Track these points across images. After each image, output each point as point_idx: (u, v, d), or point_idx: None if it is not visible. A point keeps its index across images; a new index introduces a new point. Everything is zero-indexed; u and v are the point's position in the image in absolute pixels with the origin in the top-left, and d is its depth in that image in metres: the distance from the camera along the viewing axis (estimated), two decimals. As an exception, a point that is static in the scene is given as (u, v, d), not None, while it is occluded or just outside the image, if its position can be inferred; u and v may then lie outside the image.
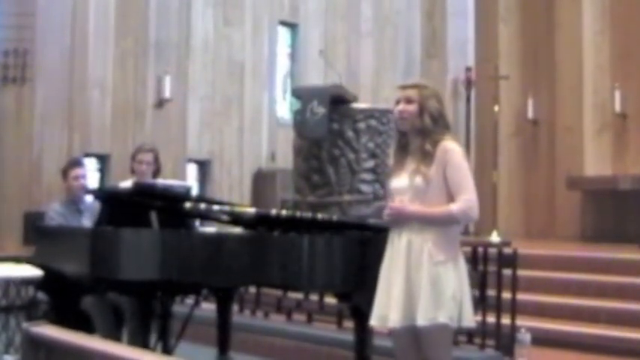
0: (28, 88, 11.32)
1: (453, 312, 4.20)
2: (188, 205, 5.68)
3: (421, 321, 4.17)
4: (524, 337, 6.47)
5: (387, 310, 4.30)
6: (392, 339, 4.55)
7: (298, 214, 6.03)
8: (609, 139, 12.08)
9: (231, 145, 14.01)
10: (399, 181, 4.38)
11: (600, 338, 7.09)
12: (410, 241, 4.27)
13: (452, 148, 4.33)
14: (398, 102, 4.41)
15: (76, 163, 6.96)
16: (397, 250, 4.31)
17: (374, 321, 4.41)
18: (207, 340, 6.78)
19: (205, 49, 13.76)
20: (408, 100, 4.36)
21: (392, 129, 6.03)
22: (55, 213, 6.54)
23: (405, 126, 4.39)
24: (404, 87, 4.47)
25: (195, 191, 11.98)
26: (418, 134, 4.35)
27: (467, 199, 4.25)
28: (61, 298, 6.15)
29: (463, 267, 4.36)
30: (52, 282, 6.06)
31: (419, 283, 4.19)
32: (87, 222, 6.39)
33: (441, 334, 4.28)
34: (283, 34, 15.24)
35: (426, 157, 4.29)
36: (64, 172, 6.67)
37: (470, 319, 4.32)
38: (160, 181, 6.63)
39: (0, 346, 7.03)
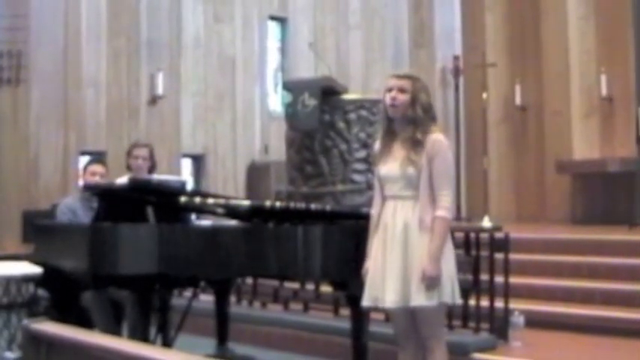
0: (23, 89, 11.39)
1: (449, 290, 4.38)
2: (184, 199, 5.72)
3: (422, 301, 4.31)
4: (518, 319, 6.48)
5: (379, 292, 4.42)
6: (391, 321, 4.70)
7: (292, 205, 6.07)
8: (597, 122, 12.13)
9: (224, 139, 14.08)
10: (390, 169, 4.50)
11: (594, 319, 7.11)
12: (406, 225, 4.40)
13: (441, 140, 4.49)
14: (390, 89, 4.51)
15: (98, 161, 7.06)
16: (392, 233, 4.43)
17: (366, 301, 4.53)
18: (206, 332, 6.86)
19: (196, 46, 13.83)
20: (401, 90, 4.48)
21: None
22: (65, 207, 6.53)
23: (396, 114, 4.51)
24: (398, 76, 4.58)
25: (190, 185, 12.07)
26: (409, 123, 4.49)
27: (446, 198, 4.40)
28: (61, 294, 6.17)
29: (452, 247, 4.55)
30: (51, 279, 6.03)
31: (417, 265, 4.33)
32: None
33: (439, 312, 4.49)
34: (273, 29, 15.30)
35: (417, 145, 4.42)
36: (85, 167, 6.71)
37: (458, 296, 4.50)
38: (156, 177, 6.73)
39: (2, 343, 7.11)
